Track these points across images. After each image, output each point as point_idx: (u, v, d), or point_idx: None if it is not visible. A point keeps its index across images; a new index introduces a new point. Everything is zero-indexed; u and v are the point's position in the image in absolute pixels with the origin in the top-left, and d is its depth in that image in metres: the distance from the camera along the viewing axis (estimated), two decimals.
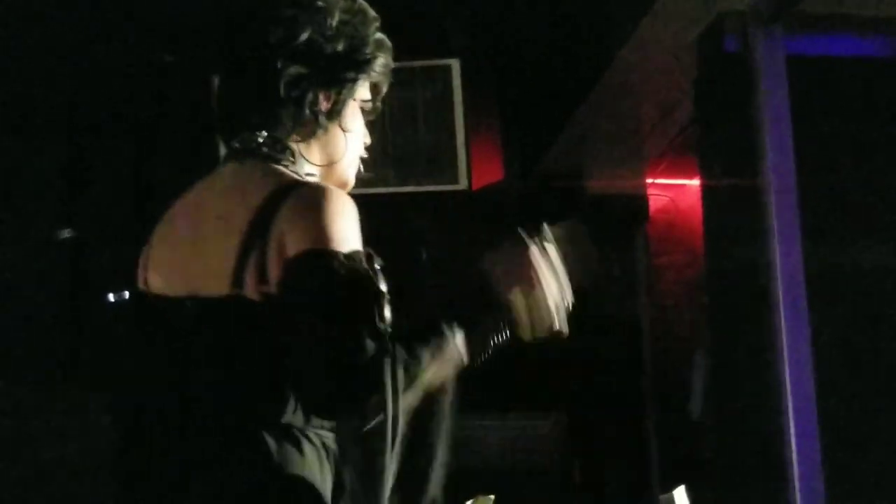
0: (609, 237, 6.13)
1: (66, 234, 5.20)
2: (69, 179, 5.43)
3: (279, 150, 1.94)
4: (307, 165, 1.96)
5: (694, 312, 5.52)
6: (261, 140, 1.94)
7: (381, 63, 2.01)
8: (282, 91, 1.92)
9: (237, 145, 1.96)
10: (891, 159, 4.29)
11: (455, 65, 4.24)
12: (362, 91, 2.02)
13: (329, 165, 1.99)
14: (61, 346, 5.26)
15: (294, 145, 1.96)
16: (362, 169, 2.08)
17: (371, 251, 1.82)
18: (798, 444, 3.89)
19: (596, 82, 4.90)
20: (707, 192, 4.67)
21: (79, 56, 4.90)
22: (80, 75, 5.12)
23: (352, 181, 2.06)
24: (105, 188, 5.38)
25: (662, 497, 2.66)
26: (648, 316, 6.11)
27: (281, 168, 1.92)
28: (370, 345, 1.68)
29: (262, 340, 1.77)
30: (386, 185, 4.38)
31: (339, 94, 1.97)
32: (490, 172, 4.61)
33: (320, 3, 1.96)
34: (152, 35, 4.69)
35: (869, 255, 4.23)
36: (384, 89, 2.08)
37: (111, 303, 4.09)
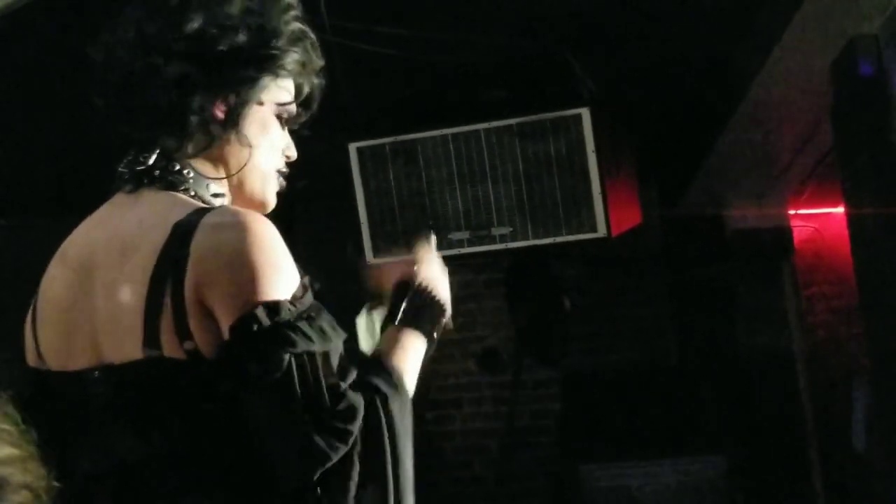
0: (755, 271, 6.03)
1: None
2: None
3: (172, 170, 1.64)
4: (211, 185, 1.67)
5: (850, 342, 5.38)
6: (149, 161, 1.64)
7: (294, 59, 1.69)
8: (161, 96, 1.61)
9: (123, 170, 1.67)
10: None
11: (585, 113, 4.25)
12: (276, 93, 1.71)
13: (239, 183, 1.69)
14: None
15: (197, 163, 1.66)
16: (282, 184, 1.77)
17: (307, 278, 1.60)
18: None
19: (729, 117, 4.85)
20: (853, 219, 4.57)
21: None
22: None
23: (269, 200, 1.76)
24: None
25: None
26: (803, 349, 5.98)
27: (180, 195, 1.63)
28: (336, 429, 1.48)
29: (194, 404, 1.52)
30: (525, 238, 4.40)
31: (236, 97, 1.65)
32: (629, 217, 4.60)
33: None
34: None
35: None
36: (307, 89, 1.76)
37: None
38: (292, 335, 1.48)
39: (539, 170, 4.32)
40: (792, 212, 5.94)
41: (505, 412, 5.89)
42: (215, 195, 1.68)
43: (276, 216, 1.72)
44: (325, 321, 1.56)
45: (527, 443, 6.05)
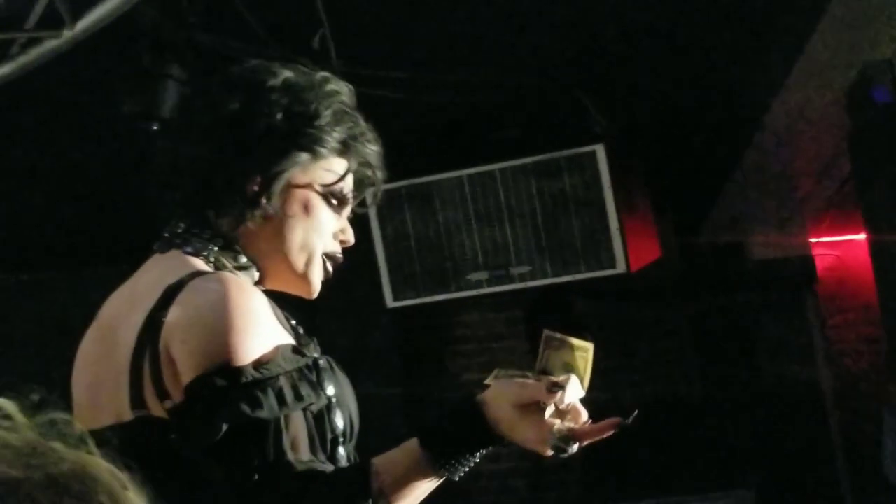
0: (778, 301, 5.99)
1: None
2: None
3: (202, 238, 1.66)
4: (240, 257, 1.68)
5: (878, 370, 5.32)
6: (191, 230, 1.67)
7: (335, 137, 1.68)
8: (198, 170, 1.66)
9: (165, 234, 1.71)
10: None
11: (599, 150, 4.24)
12: (322, 174, 1.68)
13: (277, 259, 1.68)
14: None
15: (231, 234, 1.67)
16: (330, 270, 1.72)
17: (302, 340, 1.58)
18: None
19: (746, 146, 4.84)
20: (874, 245, 4.54)
21: None
22: None
23: (315, 283, 1.72)
24: None
25: None
26: (829, 378, 5.92)
27: (195, 260, 1.64)
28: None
29: (172, 465, 1.51)
30: (544, 276, 4.39)
31: (269, 174, 1.65)
32: (648, 251, 4.57)
33: (262, 77, 1.69)
34: None
35: None
36: (355, 167, 1.72)
37: None
38: (244, 401, 1.46)
39: (556, 208, 4.32)
40: (813, 240, 5.89)
41: (528, 449, 5.84)
42: (239, 267, 1.67)
43: None
44: (308, 382, 1.52)
45: (553, 481, 6.00)
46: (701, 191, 5.40)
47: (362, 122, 1.73)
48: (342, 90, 1.72)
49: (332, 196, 1.70)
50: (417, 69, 3.79)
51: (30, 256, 5.98)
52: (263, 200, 1.65)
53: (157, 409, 1.52)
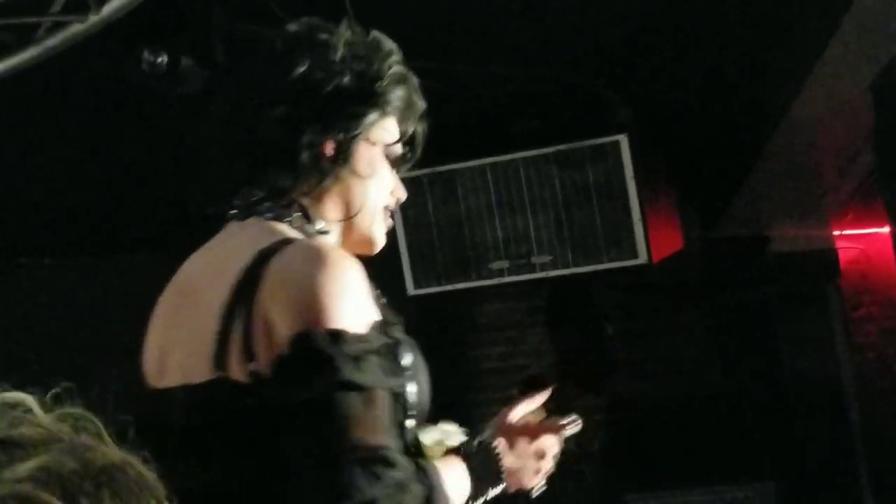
0: (800, 294, 5.97)
1: None
2: None
3: (281, 205, 1.68)
4: (323, 221, 1.70)
5: None
6: (259, 195, 1.69)
7: (398, 96, 1.72)
8: (272, 135, 1.67)
9: (238, 202, 1.72)
10: None
11: (623, 140, 4.24)
12: (382, 133, 1.73)
13: (344, 220, 1.72)
14: None
15: (306, 199, 1.70)
16: (390, 223, 1.79)
17: (389, 318, 1.60)
18: None
19: (770, 138, 4.82)
20: None
21: None
22: None
23: (378, 239, 1.78)
24: None
25: None
26: (851, 373, 5.89)
27: (280, 226, 1.66)
28: (368, 479, 1.44)
29: (253, 429, 1.53)
30: (566, 266, 4.39)
31: (344, 134, 1.67)
32: (670, 243, 4.57)
33: (322, 36, 1.72)
34: None
35: None
36: (411, 130, 1.78)
37: None
38: (348, 364, 1.47)
39: (578, 198, 4.31)
40: (836, 233, 5.87)
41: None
42: (320, 232, 1.70)
43: None
44: (393, 363, 1.55)
45: (571, 472, 6.01)
46: (724, 183, 5.38)
47: (414, 81, 1.76)
48: (395, 49, 1.75)
49: (391, 155, 1.75)
50: (441, 58, 3.80)
51: (57, 241, 6.02)
52: (339, 162, 1.68)
53: (238, 371, 1.52)
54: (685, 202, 4.92)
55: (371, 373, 1.49)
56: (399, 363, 1.57)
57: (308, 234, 1.67)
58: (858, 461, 5.76)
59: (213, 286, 1.60)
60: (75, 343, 5.91)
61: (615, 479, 5.51)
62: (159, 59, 3.47)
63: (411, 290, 4.67)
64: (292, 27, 1.76)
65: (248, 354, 1.52)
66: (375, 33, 1.76)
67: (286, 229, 1.65)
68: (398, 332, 1.62)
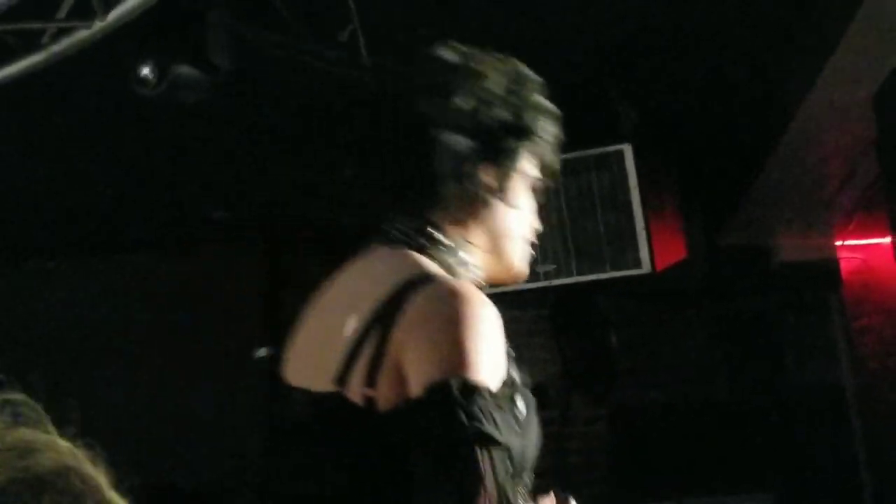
0: (803, 304, 5.98)
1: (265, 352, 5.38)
2: (269, 297, 5.62)
3: (429, 234, 1.69)
4: (469, 251, 1.71)
5: None
6: (410, 224, 1.70)
7: (547, 130, 1.76)
8: (438, 165, 1.68)
9: (386, 228, 1.72)
10: None
11: (627, 149, 4.25)
12: (528, 166, 1.76)
13: (494, 250, 1.73)
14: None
15: (452, 228, 1.71)
16: (534, 256, 1.81)
17: (516, 371, 1.60)
18: None
19: (774, 149, 4.83)
20: None
21: (273, 176, 5.11)
22: (279, 189, 5.32)
23: (523, 271, 1.80)
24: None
25: None
26: (853, 382, 5.90)
27: (422, 258, 1.66)
28: None
29: (354, 449, 1.56)
30: (570, 275, 4.40)
31: (502, 166, 1.71)
32: (673, 252, 4.57)
33: (476, 67, 1.73)
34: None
35: None
36: (552, 162, 1.80)
37: None
38: (481, 418, 1.46)
39: (582, 206, 4.32)
40: (839, 243, 5.88)
41: (553, 449, 5.85)
42: (463, 263, 1.70)
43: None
44: (513, 419, 1.54)
45: (576, 479, 6.01)
46: (728, 192, 5.39)
47: (558, 113, 1.79)
48: (539, 81, 1.78)
49: (533, 185, 1.78)
50: None
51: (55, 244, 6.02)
52: (495, 193, 1.71)
53: (354, 392, 1.54)
54: (689, 211, 4.93)
55: (502, 429, 1.49)
56: (517, 420, 1.57)
57: (454, 267, 1.68)
58: (860, 470, 5.76)
59: (352, 308, 1.61)
60: (72, 343, 5.91)
61: (620, 486, 5.51)
62: (147, 72, 3.47)
63: None
64: (446, 55, 1.77)
65: (370, 380, 1.53)
66: (519, 65, 1.78)
67: (428, 263, 1.65)
68: (520, 387, 1.62)
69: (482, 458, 1.46)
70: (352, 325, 1.58)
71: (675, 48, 4.08)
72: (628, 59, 4.11)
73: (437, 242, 1.68)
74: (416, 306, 1.53)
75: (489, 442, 1.46)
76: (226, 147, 4.99)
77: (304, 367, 1.67)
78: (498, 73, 1.73)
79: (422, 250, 1.67)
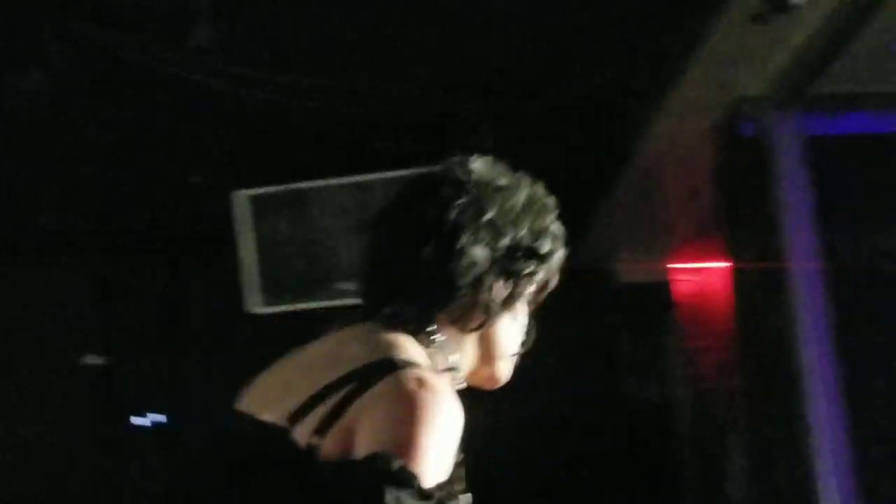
0: (639, 324, 6.13)
1: (96, 359, 5.23)
2: (100, 305, 5.48)
3: (428, 330, 1.73)
4: (461, 355, 1.76)
5: (730, 394, 5.49)
6: (412, 314, 1.73)
7: (559, 256, 1.81)
8: (459, 273, 1.71)
9: (386, 312, 1.74)
10: None
11: None
12: (533, 286, 1.81)
13: (485, 360, 1.79)
14: (94, 474, 5.25)
15: (451, 331, 1.75)
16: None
17: (455, 475, 1.60)
18: None
19: (617, 173, 4.95)
20: (736, 275, 4.69)
21: (108, 180, 4.99)
22: (109, 199, 5.21)
23: (504, 380, 1.86)
24: (137, 313, 5.42)
25: None
26: (685, 401, 6.08)
27: (413, 343, 1.70)
28: None
29: (275, 483, 1.58)
30: None
31: (516, 284, 1.76)
32: None
33: (503, 183, 1.78)
34: (179, 158, 4.78)
35: None
36: (554, 285, 1.86)
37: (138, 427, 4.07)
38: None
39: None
40: (676, 265, 6.05)
41: None
42: (450, 366, 1.75)
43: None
44: None
45: None
46: (571, 214, 5.49)
47: (564, 237, 1.84)
48: (555, 208, 1.84)
49: (532, 300, 1.83)
50: (305, 73, 3.78)
51: None
52: (505, 308, 1.76)
53: (300, 434, 1.57)
54: None
55: None
56: None
57: (438, 365, 1.72)
58: (686, 484, 5.94)
59: (330, 365, 1.63)
60: None
61: None
62: None
63: (259, 308, 4.61)
64: (476, 167, 1.81)
65: (319, 430, 1.55)
66: (541, 189, 1.83)
67: (421, 351, 1.69)
68: (460, 485, 1.64)
69: None
70: (323, 378, 1.61)
71: (530, 73, 4.14)
72: (492, 79, 4.15)
73: (432, 337, 1.72)
74: (388, 384, 1.55)
75: None
76: (57, 154, 4.84)
77: (258, 400, 1.69)
78: (523, 192, 1.79)
79: (416, 338, 1.70)
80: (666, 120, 4.45)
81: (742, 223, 4.55)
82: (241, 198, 4.49)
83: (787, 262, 4.22)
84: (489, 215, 1.73)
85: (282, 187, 4.42)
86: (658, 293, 6.04)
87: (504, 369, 1.83)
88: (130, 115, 4.49)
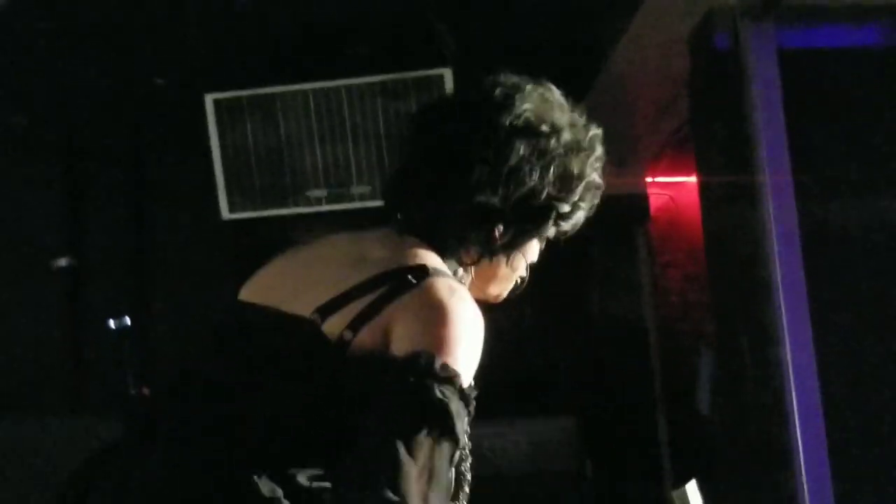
0: (611, 237, 6.14)
1: (64, 262, 5.22)
2: (68, 207, 5.45)
3: (442, 237, 1.75)
4: (459, 271, 1.78)
5: (699, 309, 5.52)
6: (428, 227, 1.74)
7: (581, 214, 1.81)
8: (463, 215, 1.73)
9: (401, 217, 1.77)
10: (886, 149, 4.30)
11: (447, 74, 4.25)
12: (553, 229, 1.83)
13: (485, 283, 1.82)
14: (63, 376, 5.26)
15: (455, 248, 1.77)
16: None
17: (473, 387, 1.65)
18: (804, 436, 3.91)
19: (589, 85, 4.90)
20: (704, 188, 4.68)
21: (74, 83, 4.93)
22: (76, 102, 5.15)
23: (502, 299, 1.89)
24: (103, 215, 5.40)
25: (674, 492, 2.66)
26: (654, 315, 6.12)
27: (431, 252, 1.71)
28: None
29: (307, 373, 1.61)
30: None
31: (520, 234, 1.77)
32: None
33: (546, 124, 1.77)
34: (144, 60, 4.72)
35: (866, 245, 4.24)
36: (579, 226, 1.86)
37: (112, 329, 4.10)
38: (448, 400, 1.53)
39: (400, 129, 4.31)
40: (649, 179, 6.04)
41: None
42: (458, 274, 1.77)
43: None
44: (466, 425, 1.60)
45: None
46: None
47: (602, 186, 1.84)
48: (601, 151, 1.82)
49: (548, 238, 1.84)
50: None
51: None
52: (503, 251, 1.77)
53: (331, 328, 1.59)
54: None
55: (461, 433, 1.56)
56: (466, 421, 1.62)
57: (448, 270, 1.72)
58: (655, 397, 6.00)
59: (358, 263, 1.65)
60: None
61: None
62: None
63: (226, 214, 4.59)
64: (527, 96, 1.78)
65: (353, 326, 1.58)
66: (595, 130, 1.82)
67: (433, 257, 1.70)
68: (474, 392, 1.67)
69: (433, 432, 1.51)
70: (354, 276, 1.62)
71: None
72: None
73: (444, 247, 1.74)
74: (424, 289, 1.59)
75: (446, 422, 1.52)
76: (25, 51, 4.77)
77: (277, 292, 1.69)
78: (565, 136, 1.77)
79: (429, 244, 1.72)
80: (640, 29, 4.39)
81: (714, 136, 4.52)
82: (208, 102, 4.44)
83: (759, 176, 4.20)
84: (514, 158, 1.70)
85: (249, 91, 4.38)
86: (631, 206, 6.03)
87: (502, 293, 1.87)
88: (97, 16, 4.42)
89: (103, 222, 5.35)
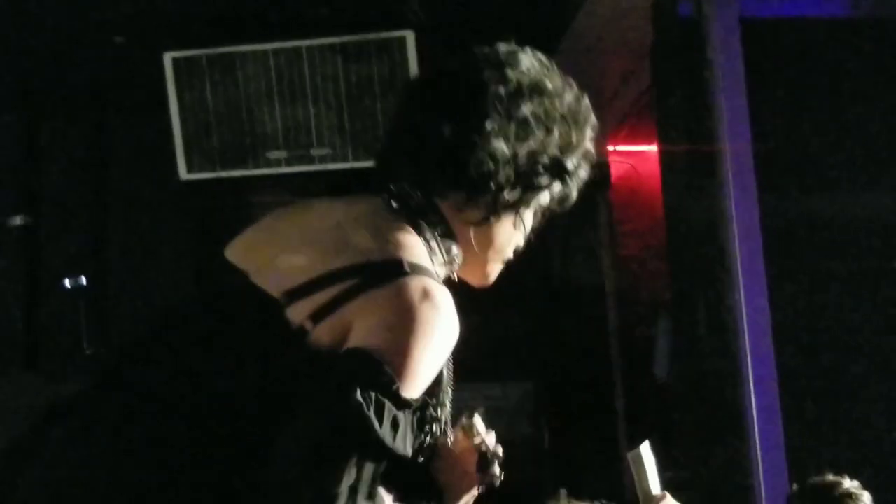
0: (572, 204, 6.15)
1: (20, 220, 5.17)
2: (24, 166, 5.40)
3: (434, 218, 1.67)
4: (453, 249, 1.70)
5: (658, 277, 5.56)
6: (419, 197, 1.67)
7: (582, 177, 1.75)
8: (473, 161, 1.65)
9: (392, 189, 1.68)
10: (847, 117, 4.33)
11: (410, 37, 4.22)
12: (548, 197, 1.75)
13: (478, 259, 1.74)
14: (16, 335, 5.22)
15: (453, 218, 1.69)
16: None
17: (431, 399, 1.59)
18: (758, 400, 3.97)
19: (553, 51, 4.89)
20: (665, 156, 4.70)
21: (32, 41, 4.85)
22: (34, 60, 5.08)
23: (492, 280, 1.81)
24: (60, 174, 5.34)
25: (629, 453, 2.67)
26: (614, 282, 6.14)
27: (417, 239, 1.65)
28: None
29: (265, 367, 1.56)
30: (345, 160, 4.36)
31: (527, 191, 1.69)
32: None
33: (548, 85, 1.70)
34: (104, 18, 4.65)
35: (825, 213, 4.28)
36: (572, 199, 1.79)
37: (67, 289, 4.06)
38: (382, 416, 1.47)
39: (361, 91, 4.28)
40: (610, 147, 6.05)
41: None
42: (451, 257, 1.70)
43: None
44: (409, 434, 1.54)
45: None
46: None
47: (595, 157, 1.77)
48: (595, 121, 1.75)
49: (541, 212, 1.77)
50: None
51: None
52: (511, 210, 1.69)
53: (294, 314, 1.55)
54: None
55: (398, 441, 1.50)
56: (415, 437, 1.57)
57: (437, 255, 1.66)
58: (612, 363, 6.04)
59: (336, 246, 1.59)
60: None
61: None
62: None
63: (184, 174, 4.55)
64: (525, 59, 1.73)
65: (315, 317, 1.53)
66: (586, 99, 1.76)
67: (419, 245, 1.63)
68: (447, 397, 1.66)
69: (351, 451, 1.47)
70: (327, 262, 1.57)
71: None
72: None
73: (436, 227, 1.67)
74: (393, 289, 1.53)
75: (370, 437, 1.47)
76: None
77: (255, 255, 1.65)
78: (567, 99, 1.71)
79: (416, 226, 1.65)
80: None
81: (675, 105, 4.54)
82: (167, 60, 4.39)
83: (719, 145, 4.23)
84: (523, 112, 1.66)
85: (208, 50, 4.33)
86: (592, 174, 6.03)
87: (492, 274, 1.79)
88: None
89: (59, 181, 5.29)
